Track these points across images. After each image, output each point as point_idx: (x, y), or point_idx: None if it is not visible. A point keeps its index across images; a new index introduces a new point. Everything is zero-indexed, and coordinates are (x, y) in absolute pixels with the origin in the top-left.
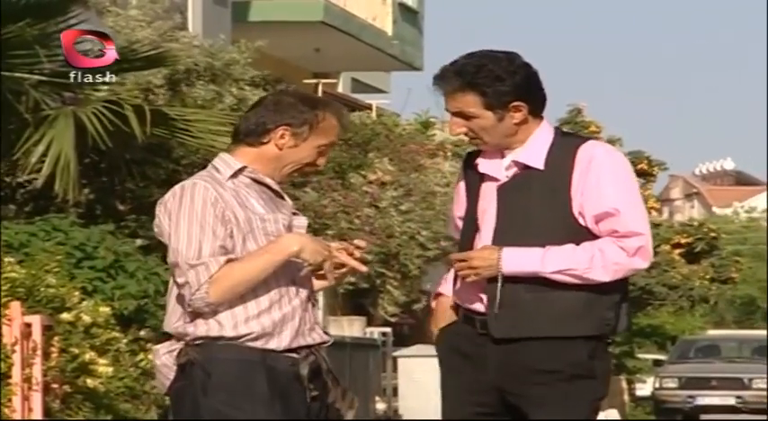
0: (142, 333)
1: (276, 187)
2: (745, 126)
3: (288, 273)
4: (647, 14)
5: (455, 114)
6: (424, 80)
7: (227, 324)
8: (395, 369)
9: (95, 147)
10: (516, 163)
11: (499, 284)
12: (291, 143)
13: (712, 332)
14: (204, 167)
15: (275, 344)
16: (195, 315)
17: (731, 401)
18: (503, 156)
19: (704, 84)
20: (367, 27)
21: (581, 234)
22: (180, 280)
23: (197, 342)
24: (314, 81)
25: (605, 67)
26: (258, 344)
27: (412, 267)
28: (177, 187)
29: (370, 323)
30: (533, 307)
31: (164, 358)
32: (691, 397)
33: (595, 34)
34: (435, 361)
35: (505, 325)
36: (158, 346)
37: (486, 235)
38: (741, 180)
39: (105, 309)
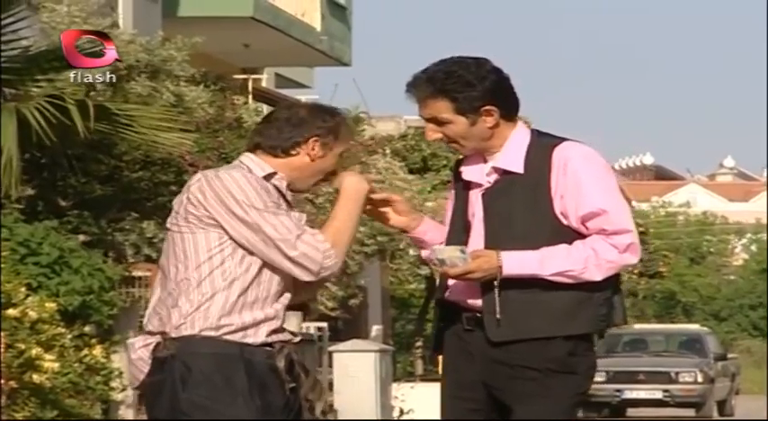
0: (86, 329)
1: (290, 198)
2: (664, 121)
3: (283, 277)
4: (572, 10)
5: (429, 120)
6: (352, 75)
7: (215, 312)
8: (330, 364)
9: (37, 143)
10: (496, 169)
11: (497, 289)
12: (321, 153)
13: (639, 326)
14: (146, 163)
15: (252, 339)
16: (180, 300)
17: (658, 395)
18: (485, 162)
19: (624, 79)
20: (296, 23)
21: (564, 234)
22: (293, 253)
23: (174, 336)
24: (243, 76)
25: (532, 63)
26: (236, 337)
27: (351, 263)
28: (222, 174)
29: (305, 318)
30: (528, 309)
31: (140, 352)
32: (618, 391)
33: (523, 30)
34: (370, 356)
35: (502, 329)
36: (133, 340)
37: (475, 240)
38: (660, 175)
39: (51, 305)
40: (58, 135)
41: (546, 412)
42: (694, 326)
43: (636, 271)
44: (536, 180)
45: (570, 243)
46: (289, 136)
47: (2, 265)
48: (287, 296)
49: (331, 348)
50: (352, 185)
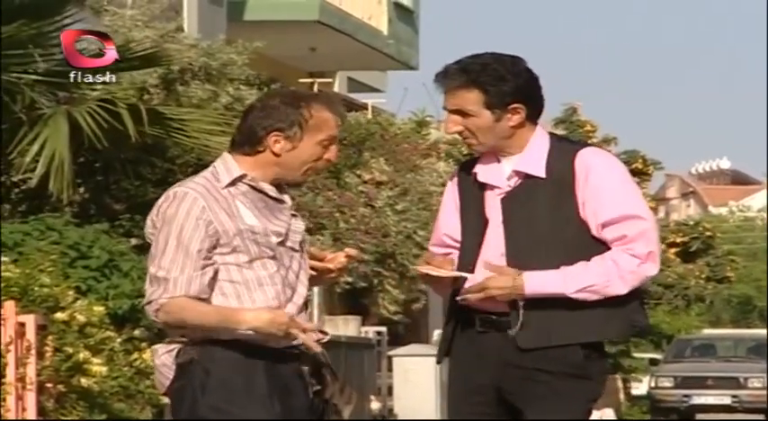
0: (136, 332)
1: (274, 194)
2: (742, 125)
3: (287, 281)
4: (643, 14)
5: (453, 112)
6: (420, 79)
7: None
8: (390, 368)
9: (90, 147)
10: (518, 172)
11: (521, 310)
12: (288, 147)
13: (708, 331)
14: (199, 167)
15: (274, 342)
16: None
17: (727, 401)
18: (499, 162)
19: (700, 83)
20: (362, 26)
21: (587, 240)
22: (145, 285)
23: (195, 341)
24: (309, 80)
25: (601, 67)
26: (257, 341)
27: (411, 267)
28: (171, 192)
29: (365, 322)
30: (561, 315)
31: (163, 358)
32: (686, 396)
33: (591, 34)
34: (430, 360)
35: (534, 335)
36: (157, 346)
37: (495, 246)
38: (737, 179)
39: (99, 309)
40: (110, 139)
41: (558, 415)
42: (763, 331)
43: (703, 275)
44: (559, 185)
45: (592, 249)
46: (252, 129)
47: (51, 269)
48: (300, 294)
49: (390, 352)
50: (245, 315)
